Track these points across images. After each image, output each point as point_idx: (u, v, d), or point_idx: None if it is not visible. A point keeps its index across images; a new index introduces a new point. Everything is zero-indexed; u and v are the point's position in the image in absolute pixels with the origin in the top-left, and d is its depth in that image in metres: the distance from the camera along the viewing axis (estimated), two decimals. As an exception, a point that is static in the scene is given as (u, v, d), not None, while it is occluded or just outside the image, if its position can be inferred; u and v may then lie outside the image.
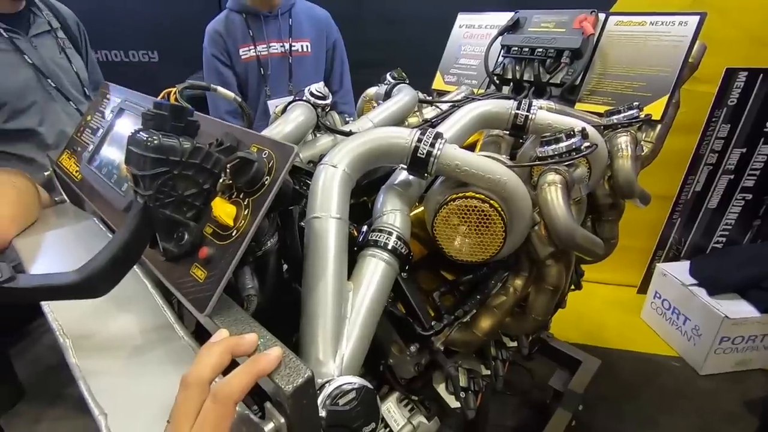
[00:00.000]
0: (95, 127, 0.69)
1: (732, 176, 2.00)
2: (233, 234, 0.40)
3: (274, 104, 1.59)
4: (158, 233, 0.41)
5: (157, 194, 0.38)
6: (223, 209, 0.39)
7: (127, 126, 0.59)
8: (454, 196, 0.67)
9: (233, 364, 0.34)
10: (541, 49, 1.30)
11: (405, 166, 0.69)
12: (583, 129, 0.72)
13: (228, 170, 0.39)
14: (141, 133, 0.39)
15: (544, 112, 0.89)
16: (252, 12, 1.53)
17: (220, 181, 0.40)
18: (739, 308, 1.78)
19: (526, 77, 1.35)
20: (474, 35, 1.57)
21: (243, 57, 1.56)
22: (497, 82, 1.42)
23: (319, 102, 1.03)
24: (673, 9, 1.68)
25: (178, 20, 2.20)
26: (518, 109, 0.89)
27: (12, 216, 0.58)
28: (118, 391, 0.38)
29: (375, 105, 1.34)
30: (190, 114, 0.41)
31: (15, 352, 0.98)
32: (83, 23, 1.41)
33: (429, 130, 0.68)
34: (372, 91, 1.36)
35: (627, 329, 2.14)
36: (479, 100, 1.13)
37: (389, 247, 0.64)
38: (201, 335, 0.50)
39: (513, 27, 1.39)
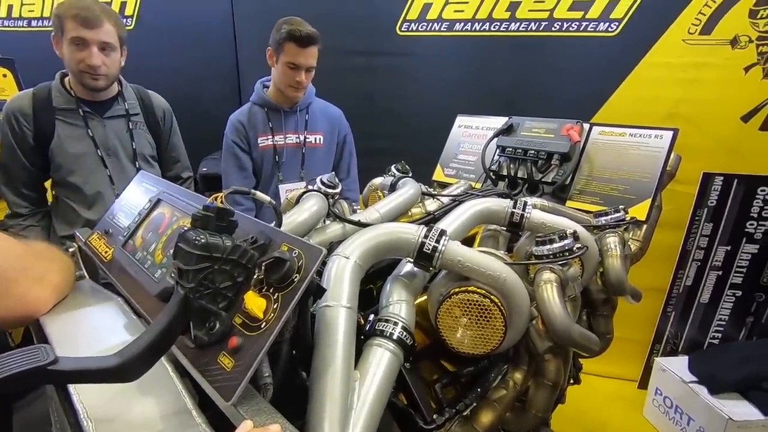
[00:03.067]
0: (129, 213, 0.75)
1: (720, 272, 2.06)
2: (262, 326, 0.43)
3: (286, 188, 1.70)
4: (192, 321, 0.45)
5: (198, 286, 0.43)
6: (255, 302, 0.44)
7: (162, 216, 0.65)
8: (457, 289, 0.72)
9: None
10: (533, 151, 1.43)
11: (411, 260, 0.75)
12: (575, 231, 0.79)
13: (263, 267, 0.44)
14: (190, 232, 0.44)
15: (538, 212, 0.97)
16: (274, 107, 1.70)
17: (254, 276, 0.45)
18: (742, 409, 1.74)
19: (519, 174, 1.47)
20: (472, 134, 1.73)
21: (261, 145, 1.70)
22: (493, 177, 1.54)
23: (330, 191, 1.12)
24: (651, 120, 1.89)
25: (199, 109, 2.44)
26: (514, 208, 0.97)
27: (55, 286, 0.61)
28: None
29: (380, 194, 1.44)
30: (231, 215, 0.47)
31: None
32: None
33: (434, 227, 0.75)
34: (377, 181, 1.47)
35: (630, 428, 2.06)
36: (478, 195, 1.23)
37: (395, 337, 0.67)
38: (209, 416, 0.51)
39: (507, 130, 1.54)
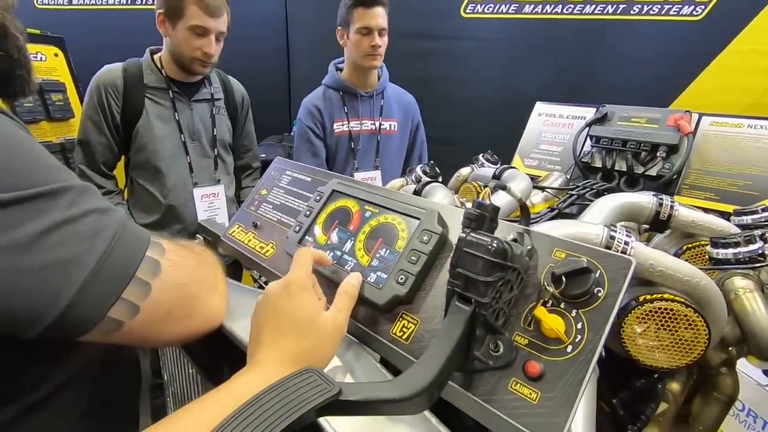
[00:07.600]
0: (279, 203, 0.68)
1: (798, 272, 1.97)
2: (569, 350, 0.36)
3: (361, 177, 1.62)
4: (472, 343, 0.38)
5: (492, 301, 0.36)
6: (555, 321, 0.37)
7: (347, 211, 0.57)
8: (648, 296, 0.65)
9: None
10: (634, 143, 1.34)
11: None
12: (763, 233, 0.71)
13: (563, 278, 0.37)
14: (476, 234, 0.37)
15: (685, 209, 0.89)
16: (349, 91, 1.62)
17: (551, 290, 0.38)
18: (827, 416, 1.67)
19: (617, 167, 1.38)
20: (554, 123, 1.64)
21: (336, 131, 1.62)
22: (584, 169, 1.45)
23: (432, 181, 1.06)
24: (731, 111, 1.79)
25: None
26: (660, 204, 0.89)
27: (224, 291, 0.54)
28: None
29: (475, 185, 1.36)
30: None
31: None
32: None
33: (618, 229, 0.67)
34: (465, 171, 1.39)
35: None
36: (593, 188, 1.16)
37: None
38: None
39: (601, 119, 1.45)
